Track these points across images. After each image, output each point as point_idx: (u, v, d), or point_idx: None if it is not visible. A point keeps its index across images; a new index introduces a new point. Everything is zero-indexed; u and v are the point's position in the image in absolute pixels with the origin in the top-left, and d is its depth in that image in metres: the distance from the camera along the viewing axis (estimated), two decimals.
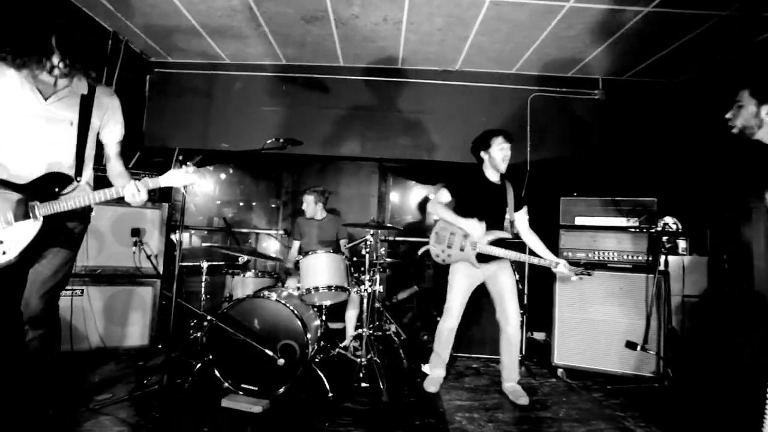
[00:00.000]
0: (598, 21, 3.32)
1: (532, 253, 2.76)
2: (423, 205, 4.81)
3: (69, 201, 1.72)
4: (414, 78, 4.44)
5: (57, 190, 1.73)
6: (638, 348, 2.93)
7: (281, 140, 2.84)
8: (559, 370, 3.20)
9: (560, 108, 4.44)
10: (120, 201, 2.01)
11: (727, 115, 1.81)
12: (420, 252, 2.91)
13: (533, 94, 4.44)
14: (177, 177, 1.82)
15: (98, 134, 1.90)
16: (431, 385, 2.80)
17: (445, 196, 2.77)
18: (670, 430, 2.32)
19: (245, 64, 4.43)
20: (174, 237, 3.48)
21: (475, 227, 2.58)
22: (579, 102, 4.42)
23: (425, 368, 3.11)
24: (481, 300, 2.94)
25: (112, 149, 1.95)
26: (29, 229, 1.67)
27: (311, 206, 3.62)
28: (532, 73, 4.39)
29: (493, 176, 2.78)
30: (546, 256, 2.66)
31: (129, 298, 3.08)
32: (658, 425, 2.37)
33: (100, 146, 1.94)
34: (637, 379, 2.99)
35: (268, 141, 2.86)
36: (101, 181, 1.93)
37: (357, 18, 3.48)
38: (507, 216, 2.73)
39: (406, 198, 4.87)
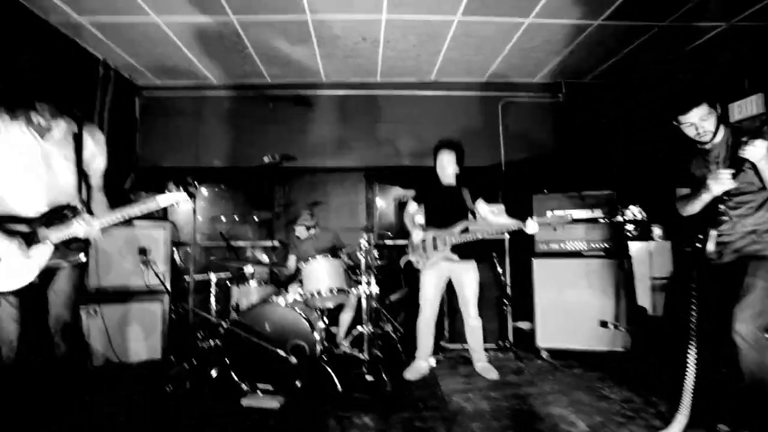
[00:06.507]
0: (555, 33, 3.69)
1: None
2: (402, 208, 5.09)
3: (75, 227, 1.91)
4: (393, 90, 4.73)
5: (62, 218, 1.93)
6: (609, 326, 3.28)
7: (277, 156, 3.07)
8: (543, 352, 3.52)
9: (528, 111, 4.81)
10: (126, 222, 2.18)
11: (702, 132, 2.03)
12: (402, 263, 3.23)
13: (503, 99, 4.79)
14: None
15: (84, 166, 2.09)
16: (408, 373, 3.05)
17: (412, 206, 3.25)
18: (640, 392, 2.67)
19: (232, 84, 4.64)
20: (177, 255, 3.65)
21: (416, 234, 3.11)
22: (545, 105, 4.80)
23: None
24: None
25: (95, 180, 2.14)
26: (41, 254, 1.87)
27: (303, 233, 3.84)
28: (501, 81, 4.73)
29: (448, 180, 3.18)
30: (514, 222, 2.98)
31: (140, 315, 3.24)
32: (629, 389, 2.72)
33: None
34: (611, 354, 3.33)
35: (265, 158, 3.09)
36: None
37: (338, 38, 3.75)
38: (468, 208, 3.13)
39: (392, 203, 5.14)
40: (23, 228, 1.86)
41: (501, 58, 4.20)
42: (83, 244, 2.03)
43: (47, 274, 1.93)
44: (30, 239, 1.86)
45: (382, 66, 4.35)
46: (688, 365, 1.95)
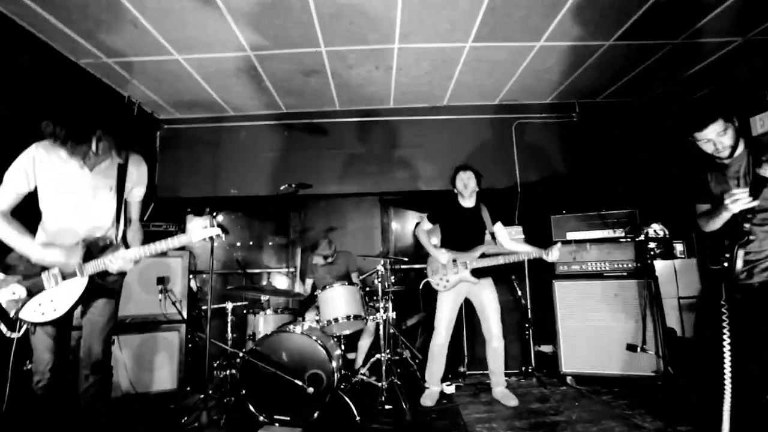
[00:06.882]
0: (567, 55, 3.70)
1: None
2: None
3: (112, 261, 1.94)
4: (406, 116, 4.79)
5: (99, 250, 1.97)
6: (638, 349, 3.14)
7: (293, 185, 3.11)
8: (568, 378, 3.38)
9: (542, 132, 4.79)
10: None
11: (721, 148, 2.00)
12: (421, 286, 3.20)
13: (517, 121, 4.80)
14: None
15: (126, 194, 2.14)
16: (426, 399, 3.02)
17: (426, 224, 3.21)
18: (674, 420, 2.52)
19: (249, 114, 4.77)
20: (194, 283, 3.69)
21: (442, 255, 3.04)
22: (559, 125, 4.78)
23: (443, 387, 3.29)
24: None
25: (134, 210, 2.18)
26: (77, 286, 1.90)
27: (321, 262, 3.87)
28: (514, 102, 4.75)
29: (466, 202, 3.18)
30: (535, 250, 2.97)
31: (157, 344, 3.25)
32: (662, 417, 2.57)
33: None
34: (640, 379, 3.18)
35: (282, 186, 3.14)
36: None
37: (351, 68, 3.84)
38: (487, 231, 3.16)
39: (407, 227, 5.12)
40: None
41: (513, 81, 4.22)
42: (117, 276, 2.07)
43: (83, 305, 1.97)
44: (68, 270, 1.89)
45: (395, 92, 4.43)
46: (724, 394, 1.83)
